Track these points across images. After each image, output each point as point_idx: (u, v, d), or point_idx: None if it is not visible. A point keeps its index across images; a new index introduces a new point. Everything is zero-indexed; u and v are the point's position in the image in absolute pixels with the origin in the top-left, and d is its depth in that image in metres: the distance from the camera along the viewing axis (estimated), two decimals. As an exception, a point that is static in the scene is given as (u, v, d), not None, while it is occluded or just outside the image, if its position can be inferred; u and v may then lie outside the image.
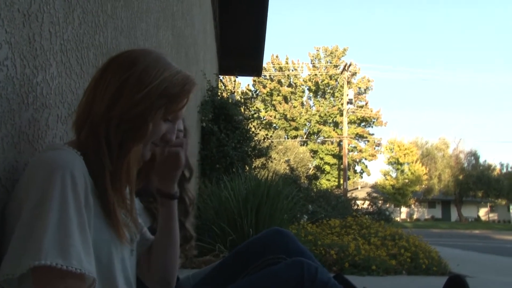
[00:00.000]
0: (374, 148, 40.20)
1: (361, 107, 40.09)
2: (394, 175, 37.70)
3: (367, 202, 12.33)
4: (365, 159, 40.33)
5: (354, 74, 39.70)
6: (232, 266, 1.63)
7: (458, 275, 1.46)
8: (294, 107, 39.94)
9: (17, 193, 0.99)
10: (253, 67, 11.14)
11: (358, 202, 12.51)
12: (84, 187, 0.97)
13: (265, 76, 39.53)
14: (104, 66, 1.13)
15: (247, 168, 7.26)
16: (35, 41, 1.16)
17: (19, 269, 0.87)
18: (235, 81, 10.96)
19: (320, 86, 40.30)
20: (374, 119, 40.12)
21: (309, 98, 41.76)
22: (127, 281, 1.12)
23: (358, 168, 41.25)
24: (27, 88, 1.13)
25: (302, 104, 40.92)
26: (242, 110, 7.77)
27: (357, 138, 39.81)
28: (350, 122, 37.92)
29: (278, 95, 40.19)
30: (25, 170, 1.02)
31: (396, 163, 37.48)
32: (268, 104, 40.18)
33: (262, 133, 9.00)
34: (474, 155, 39.80)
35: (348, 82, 35.34)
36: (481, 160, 40.00)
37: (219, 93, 7.62)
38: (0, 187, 1.02)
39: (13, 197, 1.00)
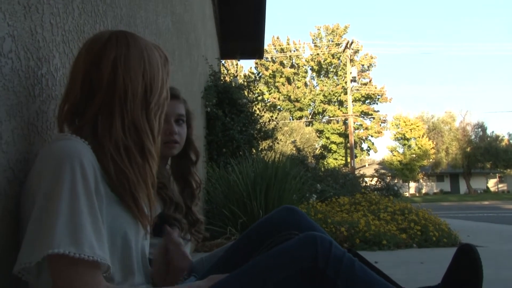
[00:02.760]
0: (380, 125, 40.06)
1: (365, 84, 39.83)
2: (401, 150, 37.61)
3: (375, 179, 12.33)
4: (371, 136, 40.22)
5: (356, 51, 39.33)
6: (244, 247, 1.63)
7: (468, 244, 1.47)
8: (298, 87, 39.76)
9: (29, 184, 1.01)
10: (255, 49, 11.07)
11: (366, 179, 12.52)
12: (93, 175, 0.98)
13: (267, 58, 39.29)
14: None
15: (254, 151, 7.27)
16: (37, 33, 1.17)
17: (34, 258, 0.89)
18: (237, 64, 10.90)
19: (323, 66, 40.04)
20: (378, 95, 39.88)
21: (312, 78, 41.56)
22: (140, 264, 1.14)
23: (364, 145, 41.18)
24: (32, 81, 1.15)
25: (305, 84, 40.72)
26: (246, 93, 7.75)
27: (362, 115, 39.64)
28: (354, 100, 37.72)
29: (281, 76, 39.99)
30: (36, 161, 1.04)
31: (403, 139, 37.34)
32: (272, 86, 40.02)
33: (267, 115, 8.99)
34: (481, 127, 39.53)
35: (351, 60, 35.07)
36: (489, 132, 39.74)
37: (221, 78, 7.60)
38: (14, 178, 1.04)
39: (26, 188, 1.02)
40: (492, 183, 45.96)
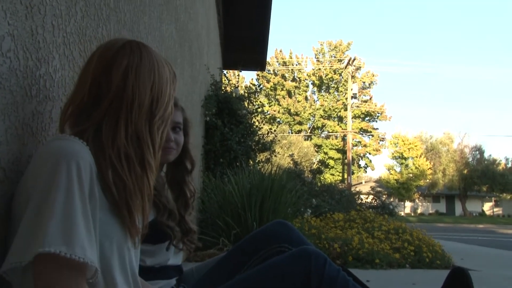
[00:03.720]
0: (379, 143, 40.09)
1: (366, 101, 39.94)
2: (398, 169, 37.64)
3: (371, 196, 12.31)
4: (369, 153, 40.23)
5: (358, 68, 39.52)
6: (236, 258, 1.63)
7: (461, 268, 1.46)
8: (298, 101, 39.86)
9: (24, 183, 1.00)
10: (257, 61, 11.11)
11: (362, 196, 12.51)
12: (89, 178, 0.97)
13: (269, 70, 39.44)
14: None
15: (251, 162, 7.26)
16: (38, 34, 1.17)
17: (25, 257, 0.88)
18: (238, 75, 10.93)
19: (324, 81, 40.19)
20: (378, 113, 39.99)
21: (313, 92, 41.68)
22: (128, 273, 1.12)
23: (362, 162, 41.16)
24: (30, 81, 1.14)
25: (306, 98, 40.83)
26: (246, 105, 7.76)
27: (361, 132, 39.70)
28: (354, 117, 37.81)
29: (282, 89, 40.11)
30: (31, 160, 1.03)
31: (401, 158, 37.40)
32: (272, 99, 40.12)
33: (266, 127, 8.99)
34: (479, 150, 39.65)
35: (353, 77, 35.18)
36: (486, 155, 39.87)
37: (222, 88, 7.61)
38: (5, 178, 1.03)
39: (21, 187, 1.01)
40: (487, 207, 45.94)
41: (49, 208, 0.90)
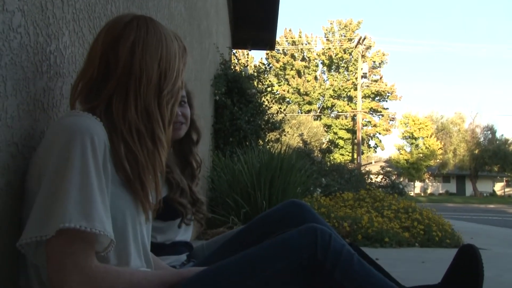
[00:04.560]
0: (389, 123, 39.88)
1: (376, 81, 39.60)
2: (408, 149, 37.47)
3: (380, 176, 12.28)
4: (379, 133, 40.06)
5: (368, 47, 39.07)
6: (247, 238, 1.61)
7: (470, 245, 1.45)
8: (308, 81, 39.61)
9: (37, 159, 1.01)
10: (266, 40, 11.01)
11: (372, 176, 12.48)
12: (103, 153, 0.99)
13: (278, 50, 39.14)
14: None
15: (260, 141, 7.26)
16: (48, 9, 1.17)
17: (46, 231, 0.89)
18: (248, 55, 10.87)
19: (334, 60, 39.84)
20: (388, 93, 39.67)
21: (323, 72, 41.39)
22: (140, 247, 1.13)
23: (372, 142, 41.04)
24: (41, 57, 1.14)
25: (315, 78, 40.56)
26: (255, 84, 7.72)
27: (371, 112, 39.47)
28: (364, 97, 37.54)
29: (292, 69, 39.86)
30: (45, 136, 1.04)
31: (411, 138, 37.19)
32: (281, 78, 39.91)
33: (275, 107, 8.96)
34: (491, 130, 39.25)
35: (363, 56, 34.81)
36: (498, 135, 39.48)
37: (232, 67, 7.57)
38: (18, 154, 1.04)
39: (34, 162, 1.02)
40: (498, 187, 45.69)
41: (66, 183, 0.91)
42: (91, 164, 0.94)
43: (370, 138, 40.57)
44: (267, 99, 7.89)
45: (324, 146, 19.20)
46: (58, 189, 0.91)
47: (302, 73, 40.15)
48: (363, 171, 13.13)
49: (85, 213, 0.91)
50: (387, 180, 11.54)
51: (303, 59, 40.61)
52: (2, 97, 0.97)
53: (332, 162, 12.97)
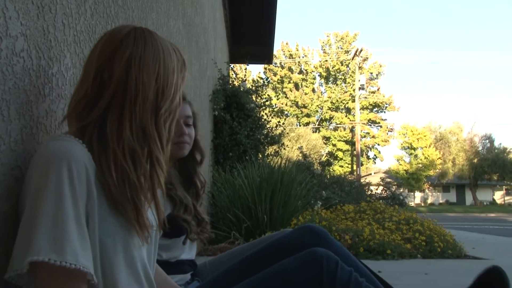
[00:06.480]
0: (387, 134, 39.95)
1: (373, 92, 39.75)
2: (407, 160, 37.50)
3: (380, 188, 12.27)
4: (378, 144, 40.11)
5: (365, 59, 39.29)
6: (257, 263, 1.50)
7: (497, 267, 1.38)
8: (306, 94, 39.75)
9: (24, 186, 0.98)
10: (264, 54, 11.08)
11: (372, 187, 12.47)
12: (85, 178, 0.93)
13: (275, 63, 39.32)
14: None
15: (260, 155, 7.27)
16: (49, 33, 1.18)
17: (22, 265, 0.85)
18: (245, 69, 10.92)
19: (331, 72, 40.02)
20: (386, 104, 39.79)
21: (321, 84, 41.53)
22: (137, 271, 1.07)
23: (371, 154, 41.08)
24: (43, 80, 1.15)
25: (313, 90, 40.70)
26: (254, 98, 7.75)
27: (369, 123, 39.55)
28: (362, 108, 37.66)
29: (289, 82, 40.01)
30: (32, 159, 1.00)
31: (410, 148, 37.25)
32: (279, 92, 40.04)
33: (274, 120, 8.98)
34: (489, 138, 39.31)
35: (360, 68, 35.00)
36: (496, 143, 39.53)
37: (230, 82, 7.61)
38: (21, 177, 1.04)
39: (22, 190, 0.99)
40: (498, 195, 45.62)
41: (39, 214, 0.86)
42: (67, 192, 0.89)
43: (369, 149, 40.60)
44: (266, 113, 7.91)
45: (323, 158, 19.20)
46: (32, 220, 0.87)
47: (300, 86, 40.30)
48: (363, 182, 13.13)
49: (56, 246, 0.85)
50: (387, 192, 11.53)
51: (300, 72, 40.80)
52: (6, 121, 0.98)
53: (332, 175, 12.97)
